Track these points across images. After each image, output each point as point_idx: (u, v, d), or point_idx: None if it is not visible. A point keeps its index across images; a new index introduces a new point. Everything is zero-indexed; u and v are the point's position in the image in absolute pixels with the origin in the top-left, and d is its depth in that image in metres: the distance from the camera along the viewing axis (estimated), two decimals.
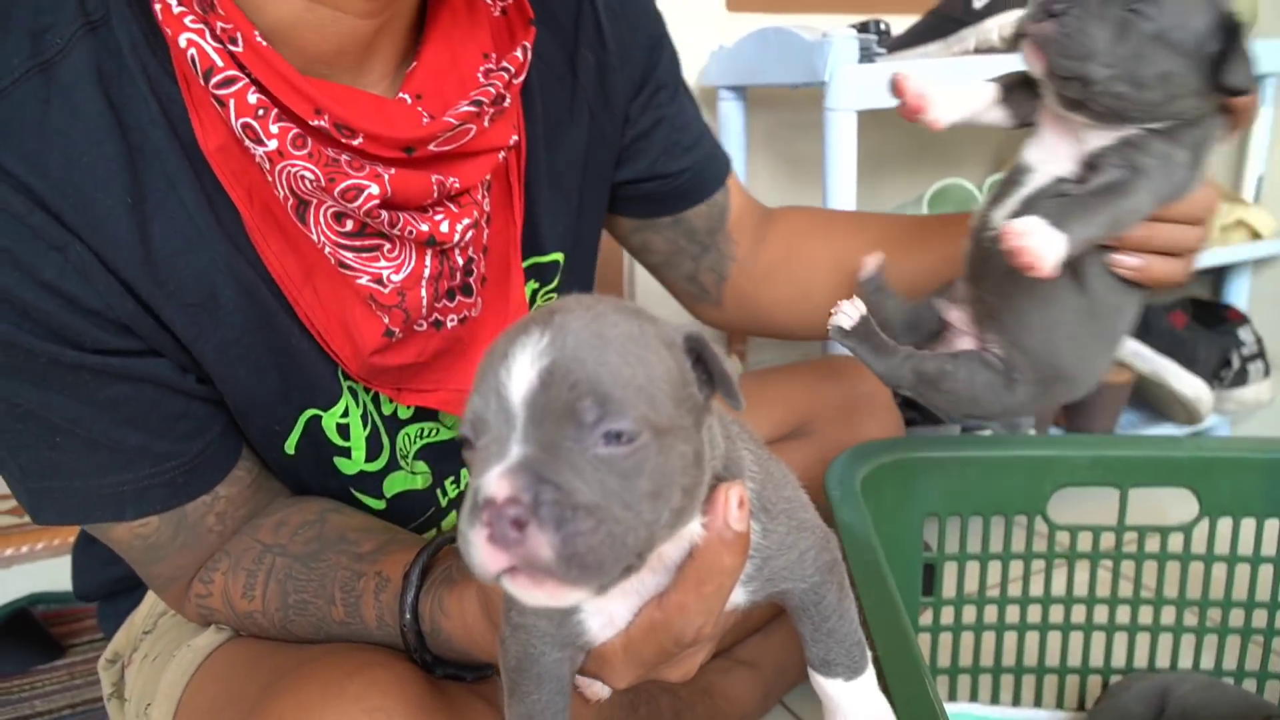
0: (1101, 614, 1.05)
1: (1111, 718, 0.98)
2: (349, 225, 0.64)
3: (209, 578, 0.75)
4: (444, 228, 0.66)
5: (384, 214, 0.63)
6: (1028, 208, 0.66)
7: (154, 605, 0.87)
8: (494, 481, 0.41)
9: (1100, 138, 0.65)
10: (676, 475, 0.45)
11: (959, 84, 0.68)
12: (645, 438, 0.43)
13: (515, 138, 0.72)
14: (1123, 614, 1.04)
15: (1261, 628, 1.02)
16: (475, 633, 0.63)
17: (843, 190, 1.28)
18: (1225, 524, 1.00)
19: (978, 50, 1.42)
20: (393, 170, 0.63)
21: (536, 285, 0.84)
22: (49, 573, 1.37)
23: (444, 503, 0.86)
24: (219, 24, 0.59)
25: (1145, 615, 1.05)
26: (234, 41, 0.59)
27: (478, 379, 0.45)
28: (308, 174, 0.61)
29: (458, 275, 0.72)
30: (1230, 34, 0.61)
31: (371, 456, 0.78)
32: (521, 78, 0.70)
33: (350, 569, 0.70)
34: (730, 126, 1.50)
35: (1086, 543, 1.03)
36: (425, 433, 0.81)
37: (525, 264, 0.80)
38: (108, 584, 0.89)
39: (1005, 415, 0.75)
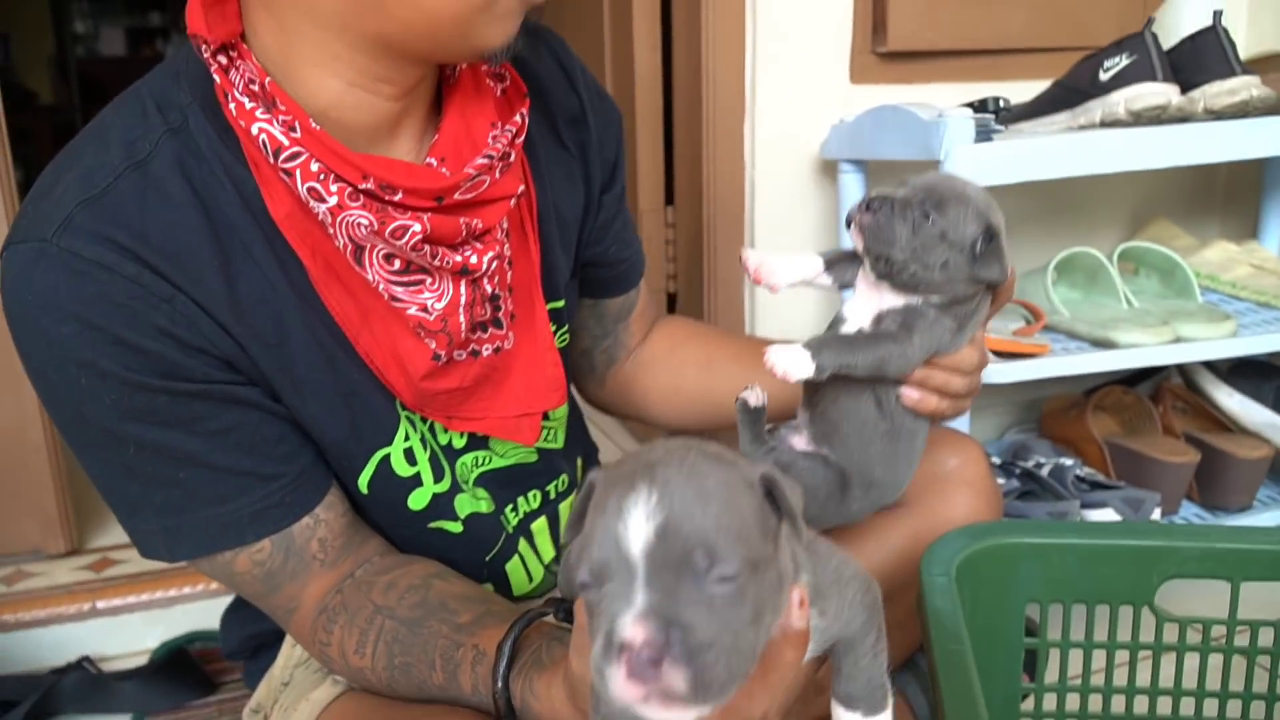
0: (1211, 708, 1.03)
1: None
2: (397, 264, 0.77)
3: (330, 628, 0.83)
4: (473, 259, 0.80)
5: (426, 248, 0.76)
6: None
7: (288, 659, 0.95)
8: (629, 626, 0.49)
9: (893, 301, 0.84)
10: (768, 597, 0.54)
11: (791, 256, 0.89)
12: (745, 574, 0.51)
13: (522, 187, 0.85)
14: (1233, 708, 1.02)
15: None
16: (561, 717, 0.69)
17: None
18: None
19: (1103, 124, 1.42)
20: (428, 215, 0.76)
21: (555, 327, 0.94)
22: (208, 612, 1.49)
23: (509, 528, 0.95)
24: (280, 115, 0.72)
25: (1257, 710, 1.03)
26: (293, 129, 0.72)
27: (593, 530, 0.53)
28: (364, 220, 0.74)
29: (488, 308, 0.84)
30: (990, 239, 0.81)
31: (437, 478, 0.88)
32: (522, 137, 0.83)
33: (450, 638, 0.78)
34: (851, 197, 1.54)
35: (1196, 636, 1.01)
36: (480, 461, 0.91)
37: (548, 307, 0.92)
38: (251, 642, 0.99)
39: (838, 519, 0.91)
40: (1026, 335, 1.42)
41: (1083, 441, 1.66)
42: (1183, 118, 1.40)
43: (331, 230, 0.75)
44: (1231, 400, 1.63)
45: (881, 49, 1.64)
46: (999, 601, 1.00)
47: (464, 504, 0.90)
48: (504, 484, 0.93)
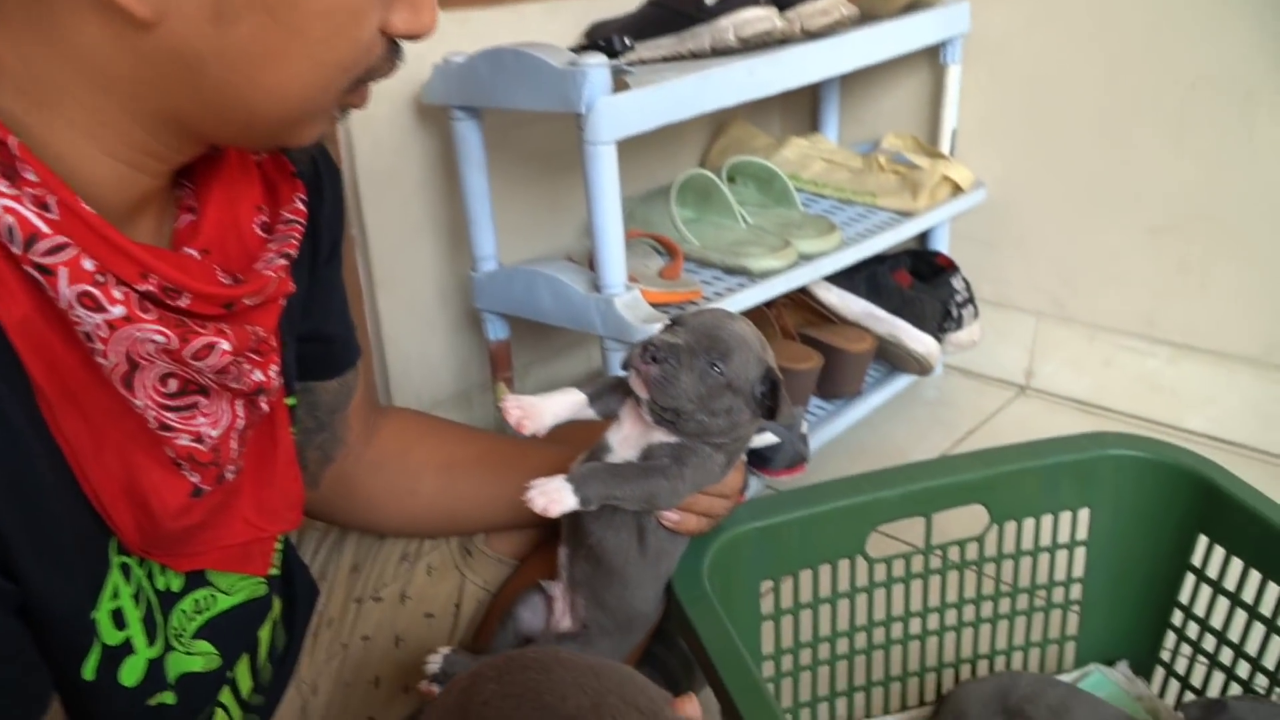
0: (916, 625, 1.13)
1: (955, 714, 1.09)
2: (173, 385, 0.62)
3: None
4: (261, 375, 0.66)
5: (234, 369, 0.63)
6: None
7: None
8: None
9: (664, 436, 0.82)
10: None
11: (553, 395, 0.84)
12: None
13: (294, 286, 0.71)
14: (936, 620, 1.13)
15: (1060, 602, 1.16)
16: None
17: (610, 212, 1.24)
18: (1011, 526, 1.11)
19: (714, 50, 1.41)
20: (229, 326, 0.62)
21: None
22: None
23: (245, 692, 0.78)
24: (29, 189, 0.53)
25: (952, 617, 1.14)
26: (46, 208, 0.54)
27: None
28: (158, 337, 0.58)
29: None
30: (773, 383, 0.82)
31: (150, 639, 0.70)
32: (304, 226, 0.70)
33: None
34: (468, 148, 1.40)
35: (900, 569, 1.10)
36: (201, 605, 0.74)
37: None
38: None
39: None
40: (674, 277, 1.41)
41: None
42: (784, 39, 1.42)
43: (99, 345, 0.57)
44: (830, 294, 1.76)
45: None
46: (737, 586, 1.00)
47: (176, 664, 0.71)
48: (237, 630, 0.76)
